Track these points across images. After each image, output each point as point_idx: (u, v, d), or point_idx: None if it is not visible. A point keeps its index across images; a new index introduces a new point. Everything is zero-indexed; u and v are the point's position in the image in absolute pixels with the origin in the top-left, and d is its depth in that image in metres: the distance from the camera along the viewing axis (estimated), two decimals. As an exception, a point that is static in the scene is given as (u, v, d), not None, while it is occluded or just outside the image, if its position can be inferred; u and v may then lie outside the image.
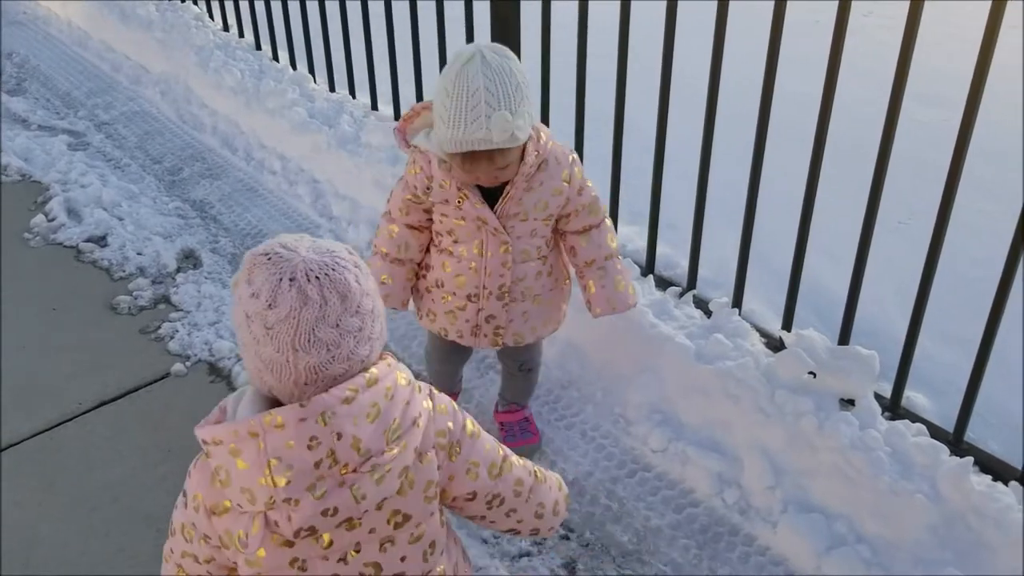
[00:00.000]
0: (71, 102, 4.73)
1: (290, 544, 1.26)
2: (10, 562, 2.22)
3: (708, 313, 2.67)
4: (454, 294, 2.16)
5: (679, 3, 2.52)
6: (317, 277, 1.19)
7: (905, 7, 2.02)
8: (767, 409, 2.36)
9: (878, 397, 2.38)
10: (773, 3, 2.26)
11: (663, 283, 2.87)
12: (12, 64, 5.24)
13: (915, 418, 2.35)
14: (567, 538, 2.25)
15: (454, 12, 3.23)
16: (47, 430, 2.61)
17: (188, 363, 2.85)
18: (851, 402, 2.35)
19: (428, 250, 2.20)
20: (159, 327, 3.01)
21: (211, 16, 5.00)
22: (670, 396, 2.52)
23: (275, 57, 4.45)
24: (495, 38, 2.99)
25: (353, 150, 3.62)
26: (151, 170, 4.00)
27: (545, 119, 3.03)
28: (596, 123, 2.99)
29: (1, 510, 2.35)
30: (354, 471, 1.22)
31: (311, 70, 4.22)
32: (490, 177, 1.94)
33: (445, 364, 2.48)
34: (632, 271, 2.85)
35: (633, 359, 2.60)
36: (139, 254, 3.38)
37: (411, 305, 2.29)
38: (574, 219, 2.13)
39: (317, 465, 1.20)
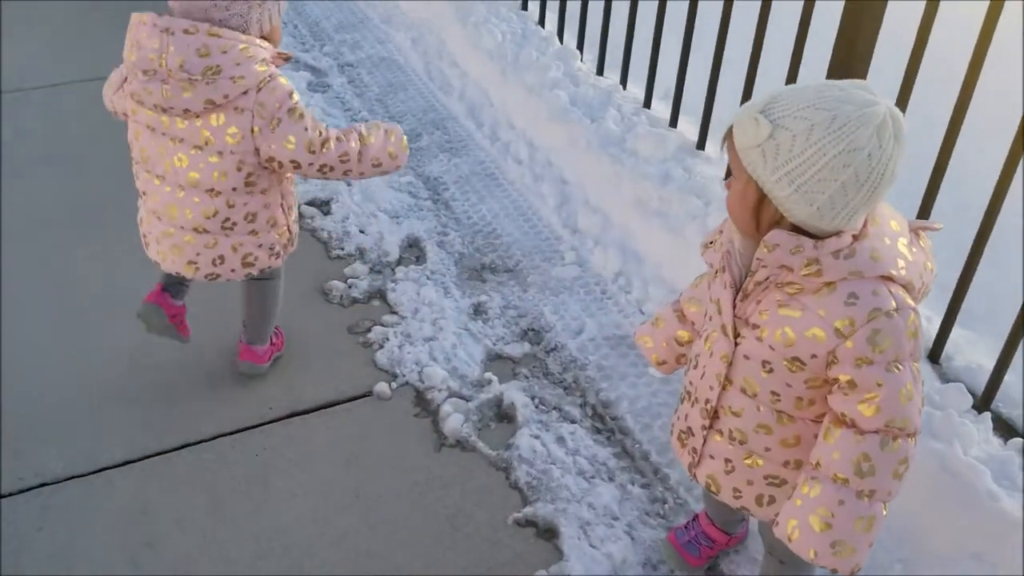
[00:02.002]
0: (319, 33, 4.45)
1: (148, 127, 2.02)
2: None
3: (1072, 492, 1.96)
4: (685, 384, 1.72)
5: None
6: None
7: None
8: None
9: None
10: None
11: (1003, 426, 2.16)
12: (270, -19, 5.05)
13: None
14: None
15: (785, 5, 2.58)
16: (228, 434, 2.29)
17: (394, 384, 2.45)
18: None
19: None
20: (369, 330, 2.62)
21: (478, -37, 4.55)
22: (1003, 603, 1.86)
23: (541, 22, 3.94)
24: (839, 46, 2.33)
25: (615, 155, 3.07)
26: (388, 131, 3.63)
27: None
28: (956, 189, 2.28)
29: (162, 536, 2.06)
30: (173, 77, 1.90)
31: (580, 45, 3.68)
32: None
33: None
34: (961, 401, 2.16)
35: (954, 535, 1.94)
36: (362, 232, 3.01)
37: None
38: (837, 395, 1.43)
39: (151, 60, 1.91)
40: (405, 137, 2.20)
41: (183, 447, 2.25)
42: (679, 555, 1.99)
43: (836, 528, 1.41)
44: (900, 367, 1.38)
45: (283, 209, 2.20)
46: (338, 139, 2.07)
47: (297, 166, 2.03)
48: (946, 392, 2.17)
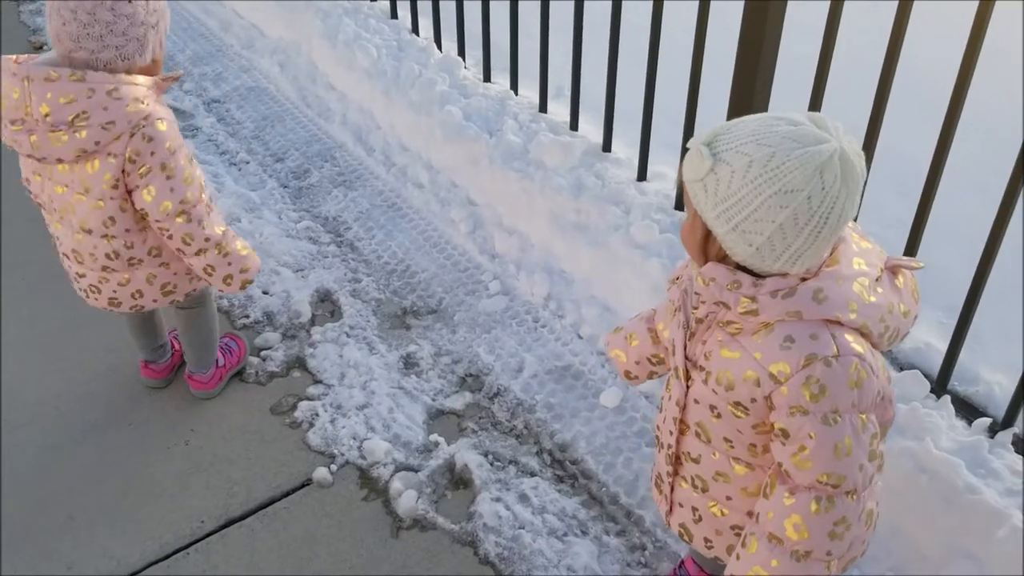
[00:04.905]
0: (175, 69, 4.10)
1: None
2: None
3: (1041, 467, 1.94)
4: (654, 429, 1.64)
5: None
6: None
7: None
8: None
9: None
10: None
11: (963, 408, 2.14)
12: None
13: None
14: None
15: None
16: (160, 561, 2.05)
17: (334, 466, 2.25)
18: None
19: None
20: (294, 407, 2.41)
21: (336, -29, 4.28)
22: (1000, 598, 1.83)
23: (415, 29, 3.72)
24: (744, 37, 2.22)
25: (521, 169, 2.91)
26: (273, 172, 3.36)
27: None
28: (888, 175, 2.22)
29: None
30: (39, 127, 1.81)
31: (461, 51, 3.49)
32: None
33: None
34: (918, 388, 2.12)
35: (941, 535, 1.90)
36: (265, 293, 2.77)
37: None
38: (776, 443, 1.35)
39: (17, 109, 1.81)
40: (246, 278, 2.13)
41: (110, 587, 2.01)
42: None
43: None
44: (838, 419, 1.28)
45: None
46: (199, 222, 1.98)
47: (150, 218, 1.96)
48: (903, 381, 2.13)
